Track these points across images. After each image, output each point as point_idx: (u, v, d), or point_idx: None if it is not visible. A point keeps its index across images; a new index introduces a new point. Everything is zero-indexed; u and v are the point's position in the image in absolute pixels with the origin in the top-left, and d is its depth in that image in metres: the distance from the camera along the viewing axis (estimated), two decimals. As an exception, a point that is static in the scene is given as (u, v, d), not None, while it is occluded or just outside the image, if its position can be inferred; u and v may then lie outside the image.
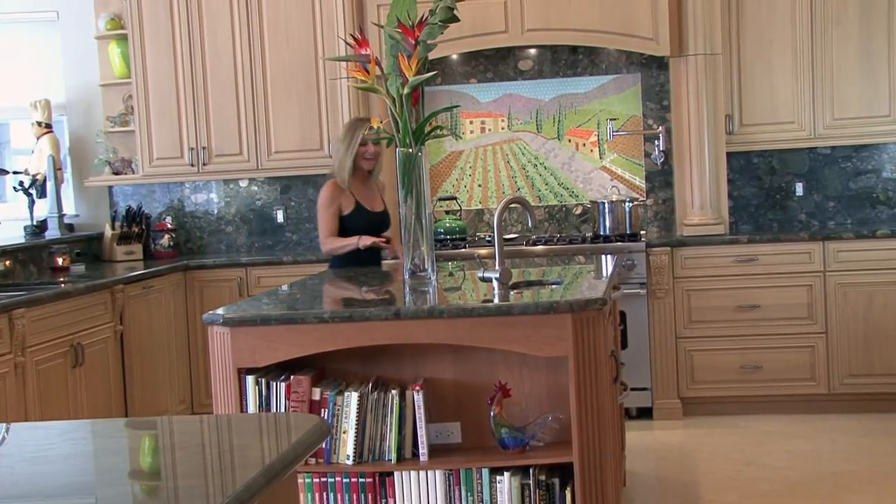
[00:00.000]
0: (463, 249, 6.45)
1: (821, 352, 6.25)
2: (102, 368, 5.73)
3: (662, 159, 6.87)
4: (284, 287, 4.78)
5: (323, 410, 3.77)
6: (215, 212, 7.43)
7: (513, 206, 6.66)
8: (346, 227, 5.53)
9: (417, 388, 3.78)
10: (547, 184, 7.04)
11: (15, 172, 7.11)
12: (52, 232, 6.99)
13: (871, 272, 6.21)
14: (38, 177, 7.04)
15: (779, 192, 6.90)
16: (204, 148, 7.00)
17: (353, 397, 3.76)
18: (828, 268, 6.25)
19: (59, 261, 6.55)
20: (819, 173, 6.88)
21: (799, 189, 6.89)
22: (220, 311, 3.90)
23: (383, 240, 5.50)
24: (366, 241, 5.41)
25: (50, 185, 7.03)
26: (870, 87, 6.49)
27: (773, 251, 6.28)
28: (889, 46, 6.45)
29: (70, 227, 7.26)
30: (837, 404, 6.27)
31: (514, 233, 7.00)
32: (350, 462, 3.78)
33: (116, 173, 7.25)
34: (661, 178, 6.96)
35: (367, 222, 5.53)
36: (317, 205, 5.66)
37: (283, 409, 3.77)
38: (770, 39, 6.54)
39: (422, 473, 3.79)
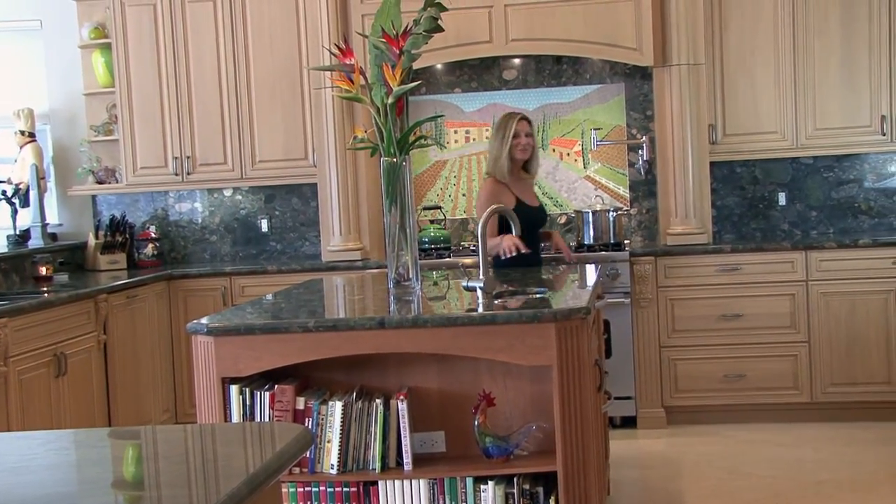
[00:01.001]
0: (447, 259, 6.45)
1: (803, 361, 6.27)
2: (86, 378, 5.71)
3: (646, 169, 6.90)
4: (269, 296, 4.77)
5: (307, 420, 3.76)
6: (199, 221, 7.42)
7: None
8: (508, 224, 5.38)
9: (402, 397, 3.78)
10: (531, 193, 7.05)
11: (-2, 182, 7.09)
12: (36, 241, 6.96)
13: (853, 281, 6.24)
14: (21, 186, 7.01)
15: (762, 202, 6.93)
16: (188, 157, 6.99)
17: (337, 406, 3.76)
18: (810, 277, 6.28)
19: (43, 270, 6.52)
20: (801, 183, 6.92)
21: (782, 199, 6.92)
22: (203, 320, 3.89)
23: (526, 250, 5.22)
24: (508, 245, 5.15)
25: (33, 195, 7.00)
26: (851, 97, 6.53)
27: (756, 260, 6.30)
28: (870, 57, 6.49)
29: (53, 237, 7.23)
30: (820, 413, 6.29)
31: (499, 242, 7.00)
32: (334, 471, 3.77)
33: (100, 182, 7.24)
34: (644, 187, 6.98)
35: (527, 219, 5.26)
36: (476, 203, 5.67)
37: (267, 419, 3.77)
38: (753, 50, 6.58)
39: (406, 482, 3.79)
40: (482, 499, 3.75)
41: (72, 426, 5.39)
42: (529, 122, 5.57)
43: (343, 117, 6.66)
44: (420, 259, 4.90)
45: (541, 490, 3.76)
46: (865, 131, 6.55)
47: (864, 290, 6.24)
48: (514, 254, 5.16)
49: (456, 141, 7.13)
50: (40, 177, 7.07)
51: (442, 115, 6.94)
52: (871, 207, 6.88)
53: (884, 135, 6.52)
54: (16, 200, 6.99)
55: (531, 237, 5.43)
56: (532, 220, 5.45)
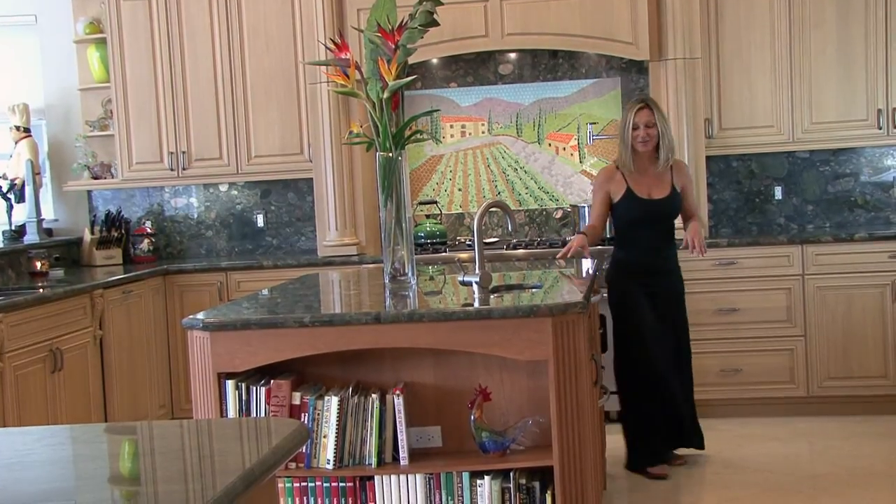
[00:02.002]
0: (443, 253, 6.45)
1: (800, 355, 6.28)
2: (82, 373, 5.70)
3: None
4: (265, 291, 4.77)
5: (303, 415, 3.76)
6: (195, 216, 7.41)
7: (493, 210, 6.69)
8: (616, 214, 5.39)
9: (398, 392, 3.78)
10: (527, 188, 7.06)
11: (-7, 177, 7.08)
12: (31, 237, 6.94)
13: (849, 275, 6.25)
14: (16, 181, 7.00)
15: (758, 196, 6.93)
16: (184, 152, 6.98)
17: (333, 402, 3.76)
18: (806, 271, 6.28)
19: (38, 266, 6.51)
20: (798, 177, 6.92)
21: (778, 193, 6.92)
22: (199, 315, 3.89)
23: (582, 254, 5.14)
24: (567, 248, 5.07)
25: (28, 190, 6.99)
26: (847, 91, 6.53)
27: (752, 255, 6.31)
28: (866, 51, 6.49)
29: (49, 232, 7.22)
30: (816, 407, 6.30)
31: (495, 237, 7.00)
32: (330, 466, 3.78)
33: (96, 178, 7.23)
34: (640, 181, 6.97)
35: (637, 211, 5.29)
36: None
37: (263, 414, 3.77)
38: (749, 44, 6.57)
39: (402, 477, 3.79)
40: (478, 493, 3.75)
41: (68, 422, 5.38)
42: (653, 108, 5.31)
43: (339, 112, 6.66)
44: (416, 254, 4.90)
45: (537, 484, 3.77)
46: (862, 125, 6.55)
47: (860, 284, 6.24)
48: (571, 257, 5.08)
49: (452, 136, 7.12)
50: (35, 172, 7.05)
51: (438, 110, 6.92)
52: (867, 201, 6.88)
53: (880, 129, 6.52)
54: (11, 196, 6.98)
55: (646, 233, 5.33)
56: (647, 213, 5.32)
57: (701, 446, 5.57)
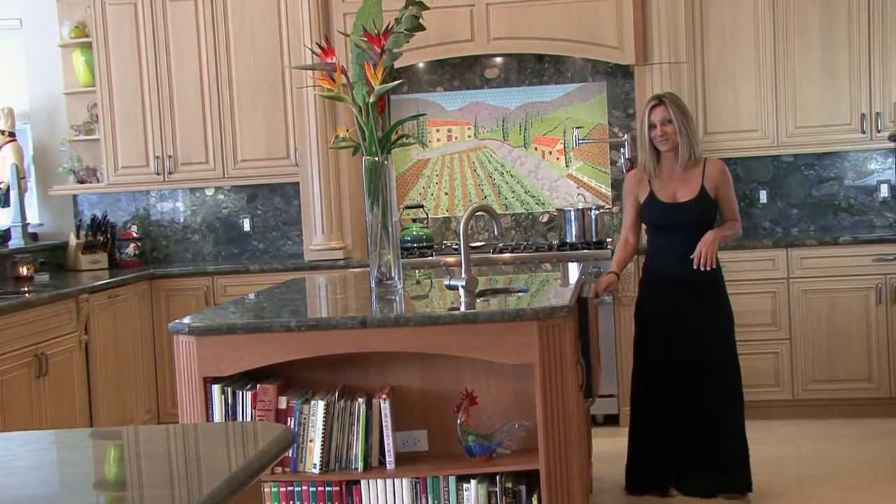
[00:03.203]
0: (430, 257, 6.45)
1: (785, 358, 6.30)
2: (67, 378, 5.68)
3: (628, 167, 6.91)
4: (251, 296, 4.77)
5: (289, 419, 3.76)
6: (181, 220, 7.40)
7: (479, 214, 6.69)
8: (642, 220, 5.13)
9: (384, 396, 3.78)
10: (513, 192, 7.07)
11: (-22, 181, 7.06)
12: (16, 241, 6.92)
13: (834, 279, 6.27)
14: (1, 186, 6.98)
15: (743, 200, 6.94)
16: (170, 156, 6.97)
17: (319, 406, 3.76)
18: (791, 275, 6.30)
19: (23, 270, 6.49)
20: (782, 181, 6.95)
21: (763, 196, 6.95)
22: (185, 319, 3.89)
23: (600, 287, 5.00)
24: (595, 290, 4.90)
25: (13, 194, 6.97)
26: (831, 95, 6.56)
27: (737, 258, 6.32)
28: (850, 56, 6.52)
29: (34, 237, 7.20)
30: (801, 410, 6.32)
31: (481, 241, 7.02)
32: (317, 470, 3.77)
33: (81, 182, 7.21)
34: (626, 185, 6.99)
35: (658, 215, 5.02)
36: None
37: (249, 418, 3.76)
38: (734, 48, 6.60)
39: (389, 482, 3.79)
40: (465, 497, 3.76)
41: (53, 427, 5.36)
42: (667, 104, 4.95)
43: (325, 116, 6.66)
44: (402, 258, 4.90)
45: (523, 488, 3.77)
46: (845, 129, 6.58)
47: (844, 287, 6.27)
48: (593, 296, 4.71)
49: (438, 140, 7.13)
50: (21, 176, 7.03)
51: (424, 114, 6.95)
52: (851, 205, 6.91)
53: (863, 133, 6.55)
54: (-4, 200, 6.96)
55: (671, 239, 4.99)
56: (666, 216, 5.01)
57: (744, 489, 5.00)
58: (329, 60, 4.38)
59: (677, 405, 5.00)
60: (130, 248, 7.21)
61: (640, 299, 5.19)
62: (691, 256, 4.89)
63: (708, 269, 4.89)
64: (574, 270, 5.09)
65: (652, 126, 4.96)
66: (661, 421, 5.03)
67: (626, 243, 5.18)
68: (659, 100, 5.00)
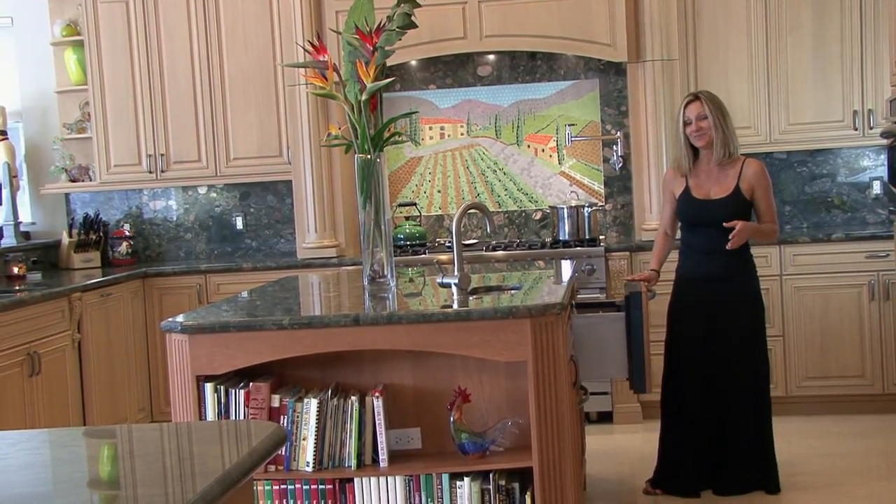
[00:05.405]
0: (423, 255, 6.45)
1: (778, 355, 6.30)
2: (60, 377, 5.67)
3: (621, 164, 6.92)
4: (244, 294, 4.76)
5: (282, 417, 3.76)
6: (174, 219, 7.39)
7: (472, 211, 6.70)
8: (677, 215, 5.15)
9: (377, 394, 3.78)
10: (506, 189, 7.07)
11: (-30, 180, 7.04)
12: (8, 240, 6.91)
13: (826, 276, 6.28)
14: (-8, 184, 6.97)
15: (736, 197, 6.95)
16: (162, 155, 6.96)
17: (312, 404, 3.75)
18: (784, 271, 6.31)
19: (15, 269, 6.48)
20: (775, 178, 6.93)
21: (755, 193, 6.95)
22: (178, 318, 3.88)
23: (640, 280, 5.02)
24: (632, 277, 5.07)
25: (5, 193, 6.95)
26: (824, 92, 6.57)
27: (730, 255, 6.32)
28: (842, 53, 6.53)
29: (26, 235, 7.18)
30: (794, 406, 6.33)
31: (474, 238, 7.01)
32: (310, 469, 3.77)
33: (73, 180, 7.19)
34: (619, 183, 7.00)
35: (690, 211, 5.01)
36: None
37: (242, 417, 3.76)
38: (726, 46, 6.60)
39: (382, 480, 3.79)
40: (458, 495, 3.76)
41: (46, 426, 5.36)
42: (703, 99, 4.93)
43: (317, 114, 6.65)
44: (395, 256, 4.90)
45: (517, 486, 3.77)
46: (838, 126, 6.59)
47: (837, 284, 6.28)
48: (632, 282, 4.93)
49: (431, 137, 7.13)
50: (12, 175, 7.02)
51: (416, 112, 6.94)
52: (843, 202, 6.93)
53: (856, 129, 6.56)
54: (-12, 199, 6.95)
55: (703, 236, 4.97)
56: (698, 213, 4.99)
57: (772, 489, 5.01)
58: (321, 58, 4.38)
59: (707, 406, 4.99)
60: (123, 247, 7.20)
61: (672, 301, 5.17)
62: (729, 235, 4.78)
63: (732, 248, 4.83)
64: (567, 268, 5.10)
65: (687, 122, 4.94)
66: (694, 422, 5.01)
67: (664, 238, 5.22)
68: (695, 96, 5.00)
